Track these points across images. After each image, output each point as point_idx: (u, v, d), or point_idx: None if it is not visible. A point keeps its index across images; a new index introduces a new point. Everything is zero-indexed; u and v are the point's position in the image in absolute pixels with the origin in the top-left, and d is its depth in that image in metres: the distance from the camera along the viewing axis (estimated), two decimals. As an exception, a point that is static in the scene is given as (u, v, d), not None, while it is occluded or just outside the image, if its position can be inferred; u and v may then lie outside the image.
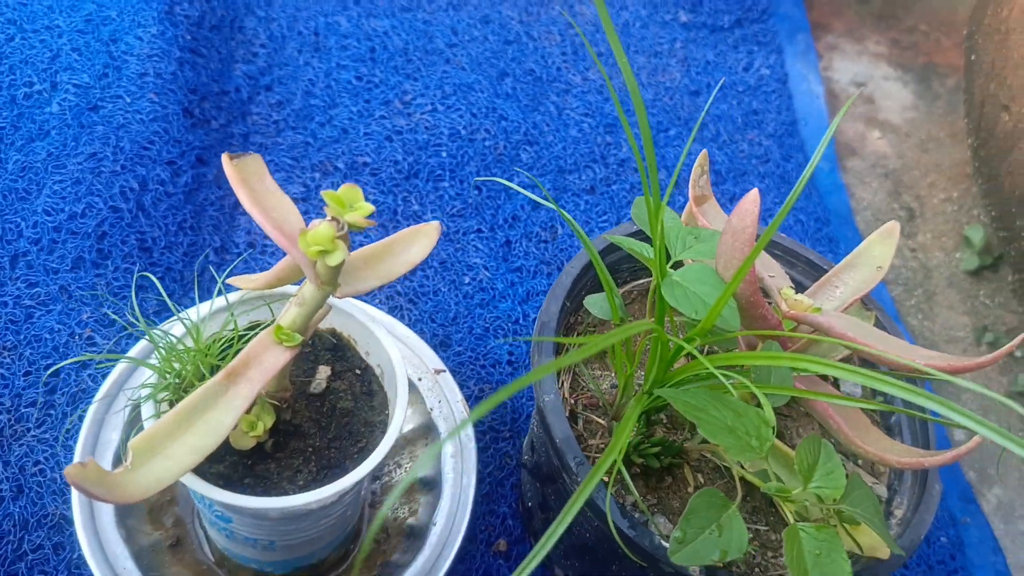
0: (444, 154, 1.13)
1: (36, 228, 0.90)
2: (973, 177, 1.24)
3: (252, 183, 0.53)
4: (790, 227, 1.15)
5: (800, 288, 0.68)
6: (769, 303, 0.63)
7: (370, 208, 0.48)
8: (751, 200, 0.52)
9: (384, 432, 0.60)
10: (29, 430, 0.78)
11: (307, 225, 0.50)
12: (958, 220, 1.29)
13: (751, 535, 0.64)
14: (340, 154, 1.10)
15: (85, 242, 0.90)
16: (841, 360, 0.64)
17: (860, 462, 0.68)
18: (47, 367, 0.81)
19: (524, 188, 1.12)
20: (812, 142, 1.28)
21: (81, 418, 0.73)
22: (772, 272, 0.64)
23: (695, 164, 0.67)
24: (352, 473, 0.57)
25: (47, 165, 0.96)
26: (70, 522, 0.73)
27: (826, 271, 0.67)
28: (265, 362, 0.51)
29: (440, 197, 1.09)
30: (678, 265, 0.60)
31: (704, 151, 0.68)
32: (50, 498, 0.75)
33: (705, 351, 0.71)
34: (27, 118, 1.00)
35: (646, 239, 0.62)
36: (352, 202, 0.49)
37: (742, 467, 0.63)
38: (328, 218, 0.48)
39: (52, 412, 0.79)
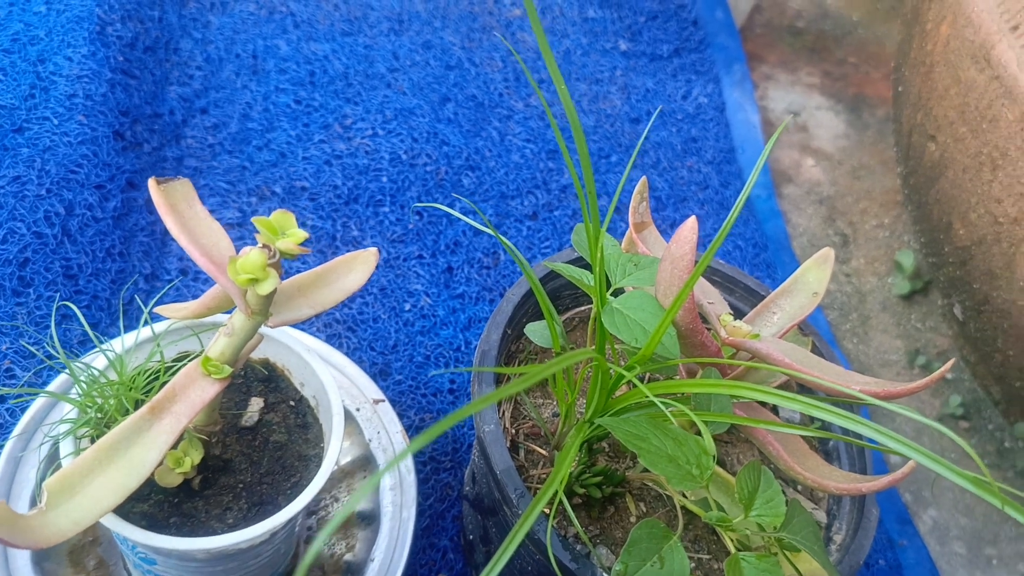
0: (385, 179, 1.11)
1: (-48, 254, 0.86)
2: (903, 204, 1.28)
3: (180, 209, 0.51)
4: (729, 252, 1.17)
5: (739, 314, 0.68)
6: (709, 330, 0.63)
7: (303, 235, 0.47)
8: (689, 228, 0.52)
9: (319, 465, 0.58)
10: (-61, 468, 0.73)
11: (239, 253, 0.48)
12: (890, 245, 1.33)
13: (693, 565, 0.64)
14: (278, 178, 1.08)
15: (6, 269, 0.86)
16: (779, 386, 0.64)
17: (799, 487, 0.69)
18: (-39, 401, 0.77)
19: (466, 214, 1.12)
20: (749, 169, 1.30)
21: (-4, 455, 0.69)
22: (711, 299, 0.64)
23: (635, 192, 0.67)
24: (285, 510, 0.55)
25: (-34, 188, 0.91)
26: (-17, 566, 0.69)
27: (764, 297, 0.68)
28: (192, 395, 0.49)
29: (380, 222, 1.07)
30: (620, 293, 0.59)
31: (644, 178, 0.68)
32: (-39, 541, 0.71)
33: (647, 379, 0.71)
34: (-54, 139, 0.96)
35: (586, 266, 0.62)
36: (284, 228, 0.47)
37: (684, 495, 0.63)
38: (259, 245, 0.47)
39: (-35, 449, 0.75)
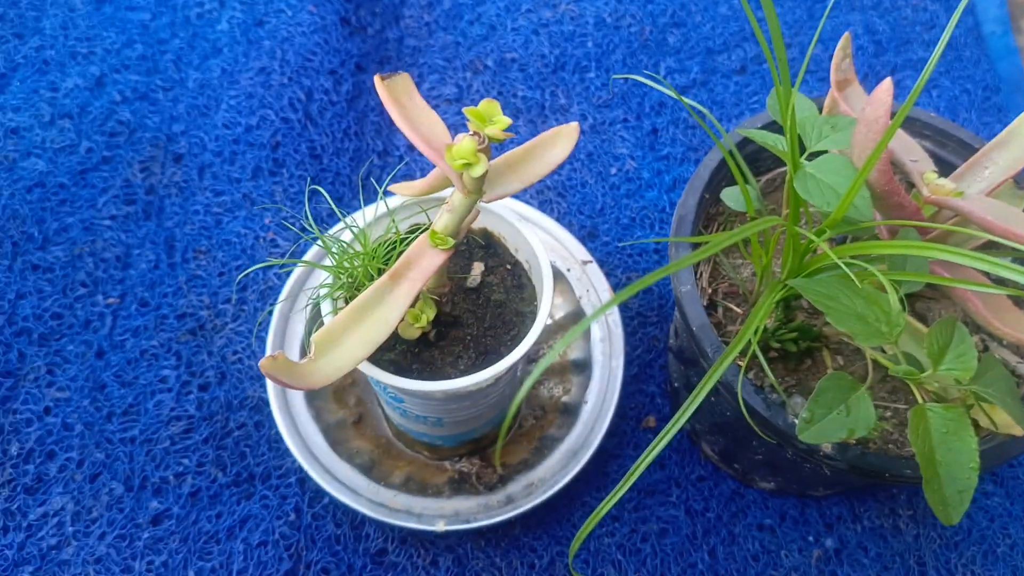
0: (590, 44, 1.13)
1: (217, 141, 1.01)
2: None
3: (402, 101, 0.58)
4: (956, 98, 1.08)
5: (950, 170, 0.66)
6: (912, 188, 0.62)
7: (507, 121, 0.52)
8: (884, 90, 0.51)
9: (534, 320, 0.66)
10: (227, 324, 0.90)
11: (454, 139, 0.54)
12: None
13: (889, 413, 0.66)
14: (489, 51, 1.13)
15: (261, 152, 1.00)
16: (986, 246, 0.62)
17: (1005, 343, 0.67)
18: (238, 268, 0.93)
19: (670, 75, 1.11)
20: (983, 3, 1.17)
21: (270, 314, 0.84)
22: (915, 156, 0.62)
23: (836, 47, 0.65)
24: (506, 358, 0.63)
25: (222, 81, 1.05)
26: (267, 403, 0.85)
27: (978, 150, 0.64)
28: (423, 264, 0.58)
29: (586, 88, 1.10)
30: (816, 157, 0.60)
31: (847, 33, 0.66)
32: (248, 383, 0.87)
33: (849, 239, 0.71)
34: (201, 37, 1.09)
35: (781, 130, 0.63)
36: (491, 116, 0.53)
37: (883, 350, 0.64)
38: (470, 132, 0.53)
39: (245, 308, 0.91)
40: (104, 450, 0.83)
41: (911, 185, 0.62)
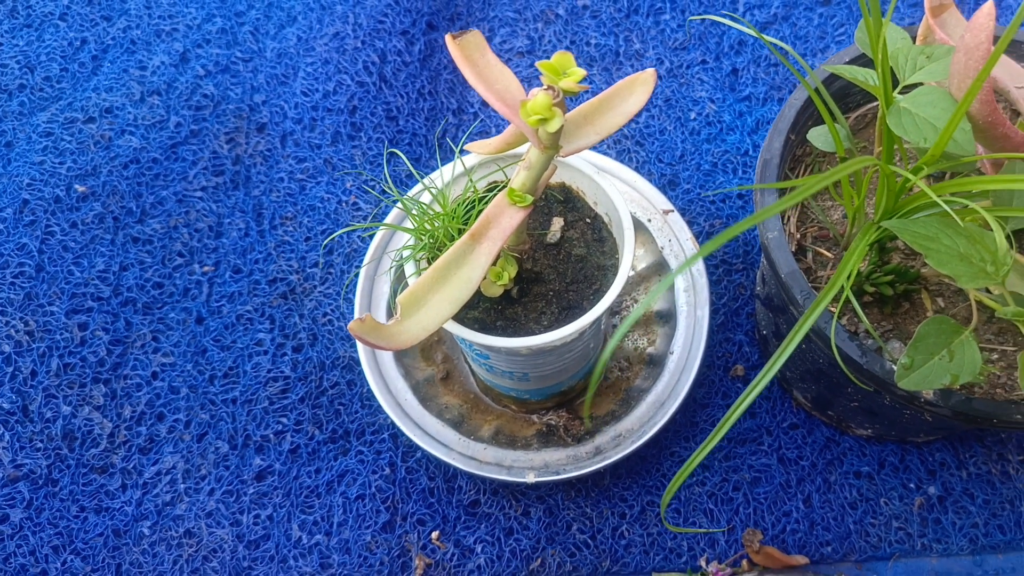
0: (663, -16, 1.10)
1: (297, 109, 1.02)
2: None
3: (475, 59, 0.57)
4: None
5: (1060, 95, 0.62)
6: (1018, 117, 0.58)
7: (582, 73, 0.51)
8: (985, 13, 0.48)
9: (616, 273, 0.65)
10: (315, 287, 0.93)
11: (528, 94, 0.54)
12: None
13: (996, 356, 0.63)
14: (560, 0, 1.11)
15: (339, 117, 1.01)
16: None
17: None
18: (323, 232, 0.95)
19: (749, 9, 1.07)
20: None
21: (356, 276, 0.86)
22: (1021, 82, 0.58)
23: (931, -30, 0.61)
24: (589, 312, 0.63)
25: (298, 49, 1.07)
26: (357, 363, 0.88)
27: (1093, 73, 0.60)
28: (503, 222, 0.58)
29: (661, 31, 1.07)
30: (911, 90, 0.57)
31: (942, -47, 0.61)
32: (339, 343, 0.90)
33: (948, 176, 0.67)
34: (276, 7, 1.11)
35: (870, 63, 0.59)
36: (565, 68, 0.52)
37: (988, 290, 0.61)
38: (544, 87, 0.52)
39: (332, 271, 0.93)
40: (208, 411, 0.87)
41: (1017, 114, 0.59)
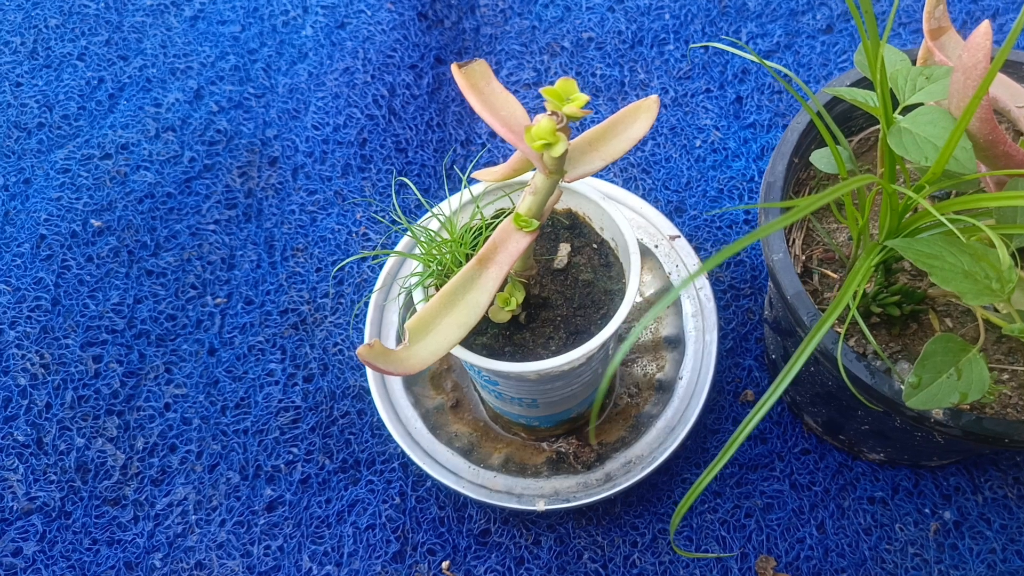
0: (667, 16, 1.11)
1: (308, 142, 1.04)
2: None
3: (480, 87, 0.58)
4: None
5: (1061, 115, 0.62)
6: (1021, 136, 0.59)
7: (585, 98, 0.52)
8: (982, 33, 0.49)
9: (623, 298, 0.66)
10: (326, 317, 0.93)
11: (532, 120, 0.55)
12: None
13: (1007, 376, 0.63)
14: (565, 33, 1.13)
15: (349, 150, 1.03)
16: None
17: None
18: (333, 263, 0.96)
19: (751, 40, 1.08)
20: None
21: (366, 304, 0.87)
22: (1021, 102, 0.59)
23: (928, -6, 0.62)
24: (597, 336, 0.63)
25: (309, 84, 1.09)
26: (367, 391, 0.88)
27: (1093, 92, 0.60)
28: (510, 247, 0.58)
29: (666, 61, 1.08)
30: (911, 111, 0.57)
31: (938, -22, 0.62)
32: (349, 372, 0.90)
33: (953, 195, 0.68)
34: (287, 44, 1.13)
35: (871, 86, 0.60)
36: (568, 94, 0.53)
37: (995, 309, 0.61)
38: (548, 112, 0.53)
39: (342, 301, 0.94)
40: (220, 442, 0.87)
41: (1019, 133, 0.59)
